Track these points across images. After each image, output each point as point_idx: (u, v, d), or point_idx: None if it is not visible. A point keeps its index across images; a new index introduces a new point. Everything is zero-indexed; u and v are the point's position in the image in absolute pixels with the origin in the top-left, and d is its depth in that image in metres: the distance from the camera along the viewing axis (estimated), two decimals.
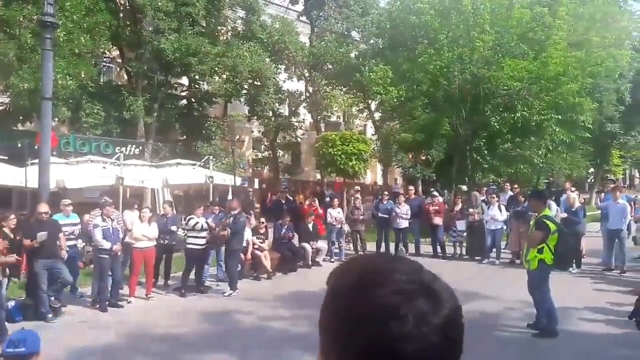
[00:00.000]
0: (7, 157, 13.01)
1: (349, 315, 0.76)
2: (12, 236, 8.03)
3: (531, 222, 7.28)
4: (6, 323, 6.99)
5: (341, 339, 0.77)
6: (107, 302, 8.57)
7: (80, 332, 7.38)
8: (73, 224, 9.28)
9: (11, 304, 7.73)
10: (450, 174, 19.88)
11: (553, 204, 12.83)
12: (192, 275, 9.99)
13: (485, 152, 19.59)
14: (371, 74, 19.35)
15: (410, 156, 24.22)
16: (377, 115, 27.72)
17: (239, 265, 10.50)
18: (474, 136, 19.28)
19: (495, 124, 17.91)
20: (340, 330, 0.77)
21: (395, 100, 18.95)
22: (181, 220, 11.82)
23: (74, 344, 6.81)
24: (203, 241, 9.94)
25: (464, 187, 19.78)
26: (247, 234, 10.85)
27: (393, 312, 0.73)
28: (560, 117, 17.67)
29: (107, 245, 8.48)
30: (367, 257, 0.91)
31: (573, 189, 14.27)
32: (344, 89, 26.48)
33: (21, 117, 16.28)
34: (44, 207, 8.11)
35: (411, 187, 16.25)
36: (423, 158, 23.74)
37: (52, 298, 7.98)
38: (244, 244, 10.61)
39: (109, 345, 6.85)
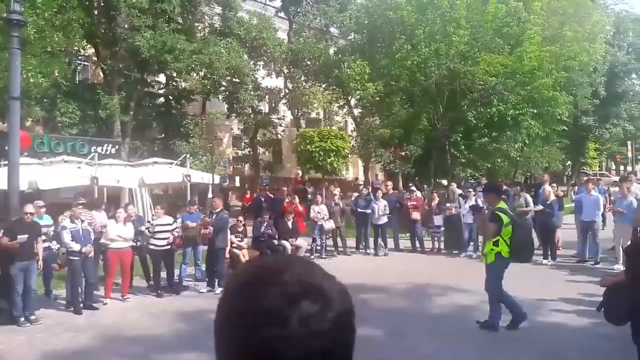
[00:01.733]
0: None
1: (233, 316, 0.75)
2: None
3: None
4: None
5: (226, 339, 0.76)
6: (82, 304, 8.46)
7: (54, 335, 7.27)
8: (46, 226, 9.14)
9: None
10: (429, 169, 20.03)
11: (528, 197, 13.01)
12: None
13: (463, 146, 19.77)
14: (348, 70, 19.36)
15: (390, 152, 24.29)
16: (357, 112, 27.73)
17: None
18: (451, 131, 19.45)
19: (472, 118, 18.13)
20: (226, 331, 0.76)
21: (373, 96, 19.00)
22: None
23: (48, 347, 6.73)
24: (164, 242, 9.77)
25: (444, 182, 19.93)
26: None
27: (275, 315, 0.71)
28: (535, 111, 17.93)
29: (76, 247, 8.36)
30: (263, 258, 0.90)
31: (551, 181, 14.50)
32: (323, 86, 26.43)
33: None
34: (29, 208, 8.02)
35: (389, 183, 16.27)
36: (402, 153, 23.83)
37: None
38: None
39: (82, 347, 6.76)
